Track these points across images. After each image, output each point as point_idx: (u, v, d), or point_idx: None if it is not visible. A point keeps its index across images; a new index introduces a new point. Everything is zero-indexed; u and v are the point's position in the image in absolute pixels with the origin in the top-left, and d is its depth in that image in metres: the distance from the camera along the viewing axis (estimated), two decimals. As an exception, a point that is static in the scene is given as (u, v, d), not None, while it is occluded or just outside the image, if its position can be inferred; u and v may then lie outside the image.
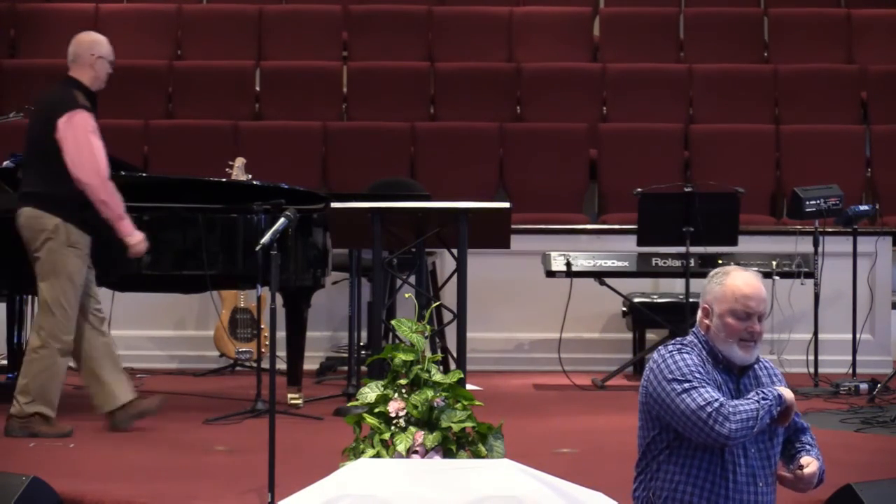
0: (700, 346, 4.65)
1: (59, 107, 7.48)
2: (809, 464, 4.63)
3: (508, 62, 11.92)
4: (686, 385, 4.51)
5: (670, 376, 4.55)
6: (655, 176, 10.08)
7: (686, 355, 4.58)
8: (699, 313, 4.67)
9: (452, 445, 5.19)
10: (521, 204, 10.28)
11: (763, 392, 4.54)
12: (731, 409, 4.46)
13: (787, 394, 4.58)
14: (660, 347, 4.69)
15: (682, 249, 9.26)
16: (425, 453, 5.14)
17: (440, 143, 11.18)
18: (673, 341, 4.71)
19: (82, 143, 7.43)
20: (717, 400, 4.47)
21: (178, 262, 8.21)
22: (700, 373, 4.54)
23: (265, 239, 6.35)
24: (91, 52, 7.62)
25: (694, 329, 4.70)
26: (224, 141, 10.88)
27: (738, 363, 4.62)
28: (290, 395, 8.51)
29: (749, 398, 4.53)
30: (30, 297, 8.95)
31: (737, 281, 4.59)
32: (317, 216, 8.42)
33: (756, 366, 4.70)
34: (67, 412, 8.31)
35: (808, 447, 4.73)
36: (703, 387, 4.50)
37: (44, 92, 7.83)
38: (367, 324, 8.65)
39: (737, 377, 4.64)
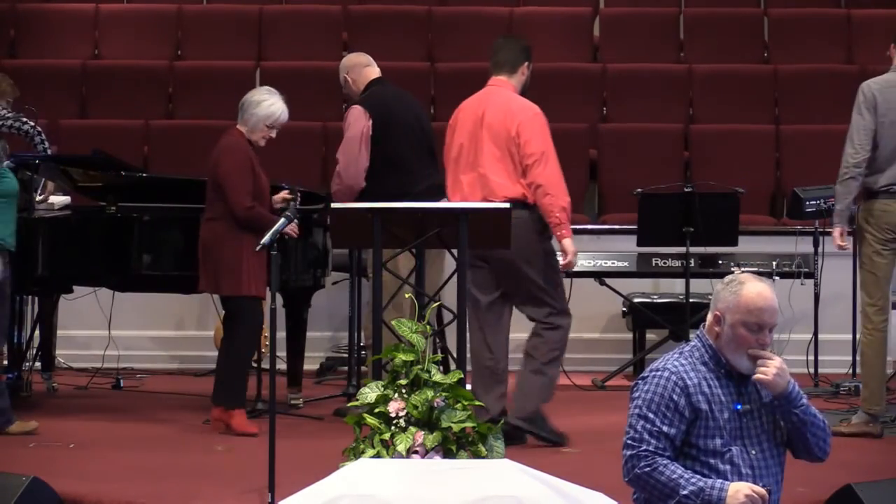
0: (703, 350, 4.58)
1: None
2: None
3: (509, 62, 11.89)
4: (640, 413, 4.51)
5: (640, 395, 4.54)
6: (655, 176, 10.07)
7: (669, 382, 4.52)
8: (709, 319, 4.59)
9: (452, 445, 5.19)
10: (522, 204, 10.25)
11: (708, 482, 4.44)
12: (648, 463, 4.45)
13: (736, 489, 4.45)
14: (659, 360, 4.65)
15: (682, 249, 9.26)
16: (425, 453, 5.14)
17: (441, 142, 11.15)
18: (678, 349, 4.67)
19: None
20: (647, 447, 4.46)
21: (178, 262, 8.20)
22: (669, 408, 4.50)
23: (265, 239, 6.34)
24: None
25: (699, 333, 4.63)
26: (224, 141, 10.84)
27: (744, 373, 4.56)
28: (290, 396, 8.51)
29: (690, 476, 4.44)
30: (29, 297, 8.92)
31: (751, 292, 4.50)
32: (317, 216, 8.42)
33: None
34: (69, 412, 8.32)
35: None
36: (654, 426, 4.49)
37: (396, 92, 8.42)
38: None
39: (736, 382, 4.59)
